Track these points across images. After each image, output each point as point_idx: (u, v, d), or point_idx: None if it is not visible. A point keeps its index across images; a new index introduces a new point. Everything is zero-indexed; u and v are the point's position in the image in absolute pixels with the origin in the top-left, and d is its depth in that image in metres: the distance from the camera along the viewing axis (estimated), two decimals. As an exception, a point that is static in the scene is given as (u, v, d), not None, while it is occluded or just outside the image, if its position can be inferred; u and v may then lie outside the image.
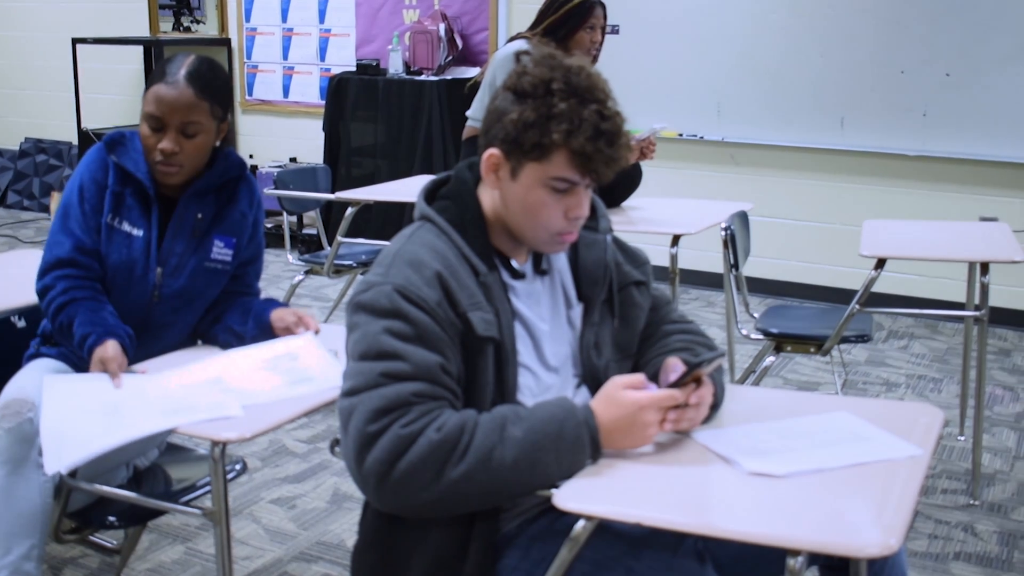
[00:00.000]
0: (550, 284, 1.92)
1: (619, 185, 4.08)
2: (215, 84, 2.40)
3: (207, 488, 2.36)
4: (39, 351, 2.46)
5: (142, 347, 2.34)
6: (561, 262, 1.95)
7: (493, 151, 1.79)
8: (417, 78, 6.49)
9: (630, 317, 1.96)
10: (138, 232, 2.39)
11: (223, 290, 2.51)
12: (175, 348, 2.44)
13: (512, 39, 4.25)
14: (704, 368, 1.77)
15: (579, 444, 1.69)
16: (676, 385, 1.75)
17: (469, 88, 4.54)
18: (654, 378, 1.86)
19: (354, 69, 6.81)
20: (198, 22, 7.62)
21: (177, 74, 2.34)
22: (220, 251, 2.46)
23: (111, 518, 2.37)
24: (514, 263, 1.87)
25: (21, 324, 2.55)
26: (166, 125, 2.34)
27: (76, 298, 2.31)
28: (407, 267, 1.74)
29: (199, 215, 2.44)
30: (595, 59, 4.10)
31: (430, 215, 1.85)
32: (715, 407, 1.89)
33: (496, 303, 1.79)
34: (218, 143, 2.46)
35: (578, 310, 1.94)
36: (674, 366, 1.84)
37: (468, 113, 4.30)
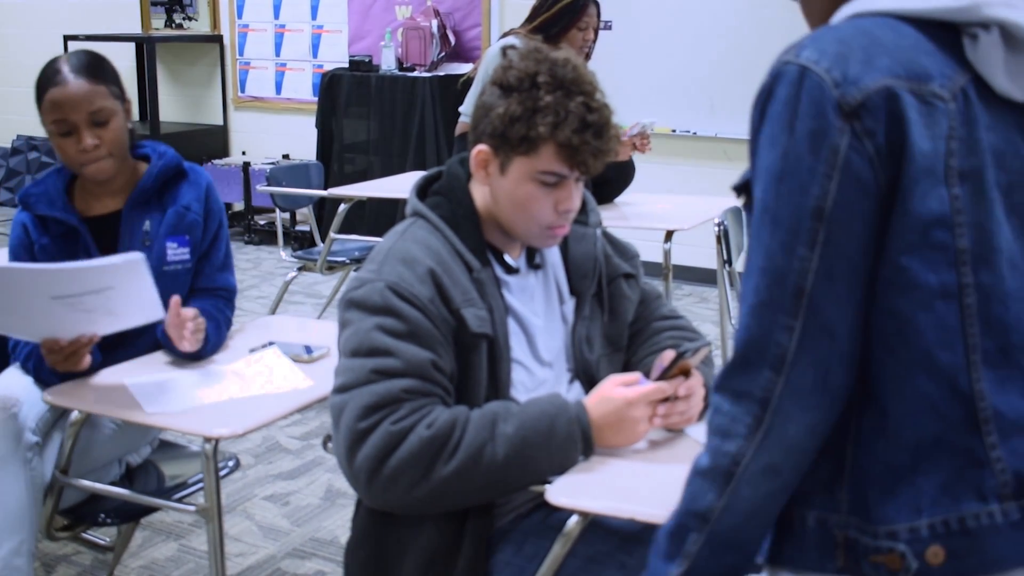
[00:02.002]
0: (544, 279, 1.92)
1: (612, 181, 4.08)
2: (101, 67, 2.37)
3: (200, 485, 2.35)
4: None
5: (116, 357, 2.30)
6: (554, 256, 1.95)
7: (482, 147, 1.79)
8: (410, 74, 6.48)
9: (619, 310, 1.96)
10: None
11: (191, 287, 2.46)
12: (148, 352, 2.39)
13: (505, 35, 4.26)
14: (690, 358, 1.77)
15: (571, 441, 1.69)
16: (663, 378, 1.75)
17: (462, 84, 4.54)
18: (647, 374, 1.86)
19: (347, 65, 6.80)
20: (190, 19, 7.60)
21: (62, 72, 2.30)
22: (175, 252, 2.41)
23: (103, 515, 2.37)
24: (507, 258, 1.87)
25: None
26: (75, 124, 2.29)
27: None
28: (400, 264, 1.74)
29: (146, 223, 2.40)
30: (587, 57, 4.10)
31: (423, 211, 1.84)
32: (706, 406, 1.89)
33: (489, 299, 1.79)
34: (130, 125, 2.42)
35: (571, 304, 1.94)
36: (666, 358, 1.84)
37: (461, 109, 4.31)
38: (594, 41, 4.14)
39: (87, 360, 2.19)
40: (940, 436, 1.11)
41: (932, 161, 1.09)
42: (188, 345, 2.26)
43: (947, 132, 1.10)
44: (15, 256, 2.37)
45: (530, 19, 4.15)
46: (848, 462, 1.15)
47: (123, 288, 2.07)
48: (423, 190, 1.91)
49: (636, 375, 1.78)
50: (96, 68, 2.34)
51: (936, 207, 1.10)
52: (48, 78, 2.32)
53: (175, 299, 2.25)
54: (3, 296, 2.05)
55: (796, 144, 1.10)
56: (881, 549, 1.12)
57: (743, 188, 1.23)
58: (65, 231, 2.36)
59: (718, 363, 4.31)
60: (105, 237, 2.38)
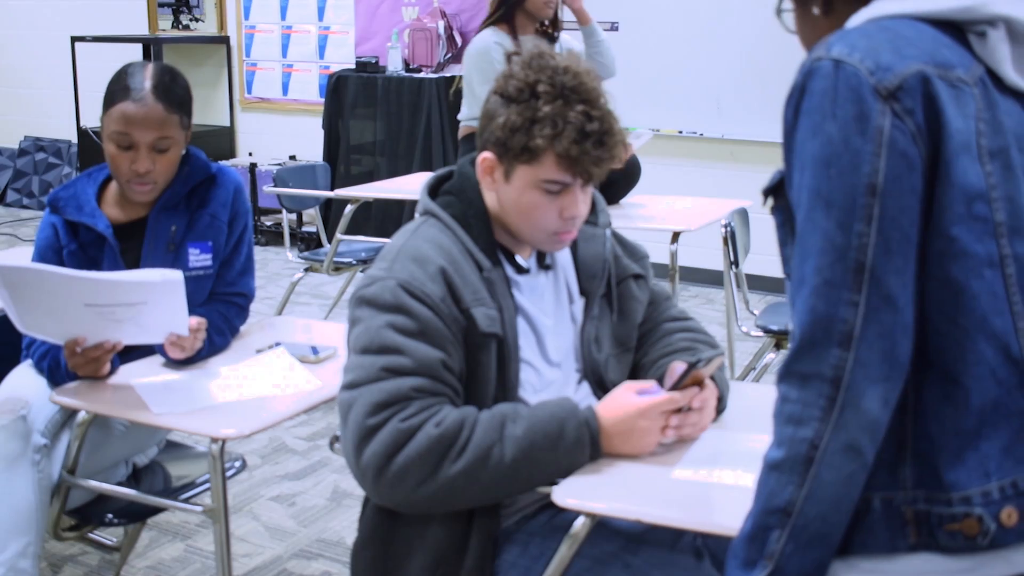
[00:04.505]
0: (554, 279, 1.92)
1: (617, 182, 4.07)
2: (181, 95, 2.35)
3: (206, 485, 2.35)
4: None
5: (124, 358, 2.29)
6: (564, 257, 1.95)
7: (487, 154, 1.79)
8: (416, 75, 6.49)
9: (628, 311, 1.96)
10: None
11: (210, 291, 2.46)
12: (155, 353, 2.37)
13: (478, 33, 4.27)
14: (703, 368, 1.76)
15: (579, 444, 1.69)
16: (676, 388, 1.74)
17: (454, 94, 4.57)
18: (659, 380, 1.85)
19: (353, 67, 6.80)
20: (197, 20, 7.61)
21: (143, 89, 2.27)
22: (197, 258, 2.40)
23: (110, 515, 2.36)
24: (518, 258, 1.86)
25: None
26: (137, 143, 2.27)
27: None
28: (411, 262, 1.73)
29: (173, 228, 2.38)
30: (556, 19, 4.12)
31: (434, 210, 1.84)
32: (720, 410, 1.89)
33: (499, 299, 1.78)
34: (184, 150, 2.40)
35: (580, 304, 1.93)
36: (677, 370, 1.83)
37: (459, 117, 4.34)
38: None
39: (107, 367, 2.20)
40: (999, 400, 1.16)
41: (967, 138, 1.15)
42: (178, 353, 2.26)
43: (975, 113, 1.16)
44: (42, 256, 2.36)
45: (489, 12, 4.19)
46: (909, 436, 1.18)
47: (157, 305, 2.09)
48: (434, 189, 1.91)
49: (651, 383, 1.78)
50: (176, 95, 2.32)
51: (975, 181, 1.15)
52: (127, 87, 2.28)
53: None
54: (36, 296, 2.06)
55: (841, 128, 1.14)
56: (957, 516, 1.15)
57: (772, 190, 1.27)
58: (93, 238, 2.35)
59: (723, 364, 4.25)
60: (131, 241, 2.38)
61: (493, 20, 4.14)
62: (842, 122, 1.14)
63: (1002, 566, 1.16)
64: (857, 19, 1.24)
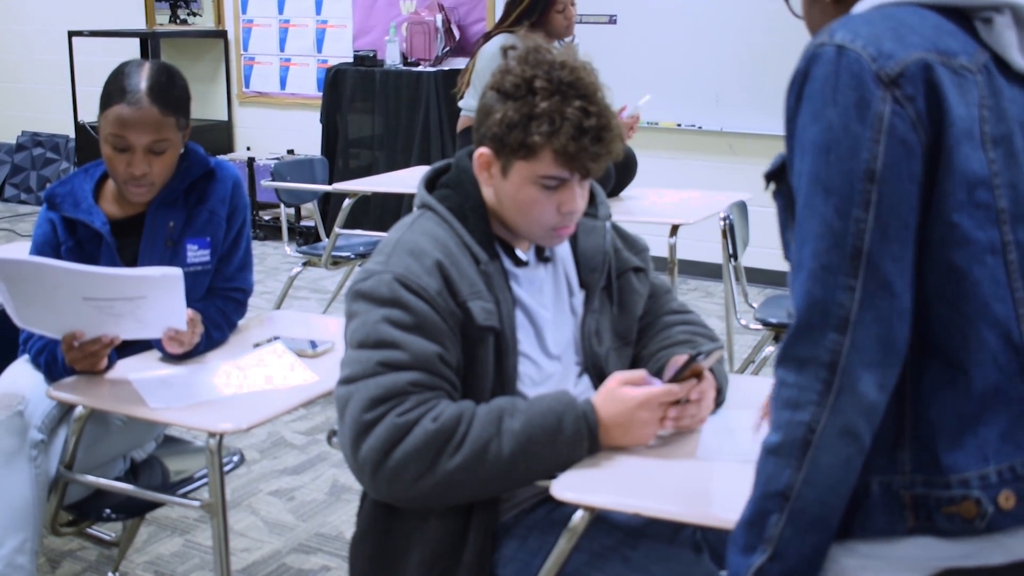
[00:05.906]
0: (553, 271, 1.91)
1: (615, 175, 4.06)
2: (177, 95, 2.32)
3: (204, 480, 2.35)
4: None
5: (121, 353, 2.29)
6: (563, 249, 1.94)
7: (483, 150, 1.78)
8: (414, 69, 6.48)
9: (628, 304, 1.96)
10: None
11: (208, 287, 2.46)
12: (152, 348, 2.36)
13: (490, 34, 4.23)
14: (703, 361, 1.76)
15: (577, 438, 1.69)
16: (675, 380, 1.74)
17: (459, 81, 4.54)
18: (659, 373, 1.85)
19: (351, 60, 6.80)
20: (194, 14, 7.60)
21: (138, 91, 2.24)
22: (196, 255, 2.39)
23: (108, 511, 2.36)
24: (517, 251, 1.86)
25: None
26: (132, 146, 2.25)
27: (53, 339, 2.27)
28: (408, 256, 1.73)
29: (171, 223, 2.37)
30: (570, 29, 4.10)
31: (431, 203, 1.83)
32: (719, 403, 1.89)
33: (497, 292, 1.78)
34: (182, 149, 2.39)
35: (580, 297, 1.93)
36: (677, 362, 1.82)
37: (460, 104, 4.32)
38: (573, 4, 4.10)
39: (105, 362, 2.19)
40: (999, 386, 1.17)
41: (969, 125, 1.15)
42: (176, 347, 2.26)
43: (978, 100, 1.17)
44: (39, 252, 2.35)
45: (506, 15, 4.13)
46: (908, 421, 1.18)
47: (155, 299, 2.09)
48: (431, 182, 1.90)
49: (640, 373, 1.77)
50: (172, 96, 2.29)
51: (978, 168, 1.16)
52: (122, 89, 2.26)
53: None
54: (34, 290, 2.05)
55: (841, 115, 1.15)
56: (955, 499, 1.15)
57: (774, 175, 1.28)
58: (91, 234, 2.34)
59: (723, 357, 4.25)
60: (128, 238, 2.37)
61: (510, 25, 4.08)
62: (842, 108, 1.15)
63: (999, 553, 1.16)
64: (863, 5, 1.24)
